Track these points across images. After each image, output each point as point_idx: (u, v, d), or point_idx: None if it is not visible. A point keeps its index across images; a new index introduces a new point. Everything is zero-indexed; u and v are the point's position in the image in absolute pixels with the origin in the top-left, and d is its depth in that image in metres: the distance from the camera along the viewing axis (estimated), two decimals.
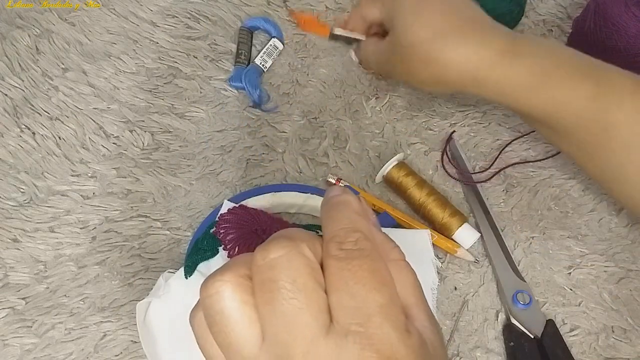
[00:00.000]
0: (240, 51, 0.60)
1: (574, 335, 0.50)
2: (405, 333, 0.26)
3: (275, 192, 0.53)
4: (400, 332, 0.25)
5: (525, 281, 0.52)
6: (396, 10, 0.50)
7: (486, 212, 0.54)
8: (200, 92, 0.59)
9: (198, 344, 0.28)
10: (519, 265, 0.52)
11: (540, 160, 0.57)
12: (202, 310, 0.27)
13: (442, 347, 0.28)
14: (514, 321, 0.50)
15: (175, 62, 0.60)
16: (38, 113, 0.58)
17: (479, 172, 0.56)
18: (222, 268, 0.28)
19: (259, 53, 0.60)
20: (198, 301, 0.28)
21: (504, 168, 0.56)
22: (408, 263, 0.29)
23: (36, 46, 0.61)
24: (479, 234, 0.53)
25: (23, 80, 0.59)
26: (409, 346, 0.25)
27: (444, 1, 0.48)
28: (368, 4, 0.56)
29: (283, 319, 0.25)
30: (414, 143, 0.58)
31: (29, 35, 0.61)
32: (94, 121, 0.58)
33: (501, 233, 0.53)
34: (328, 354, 0.24)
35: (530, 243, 0.54)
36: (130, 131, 0.57)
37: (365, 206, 0.31)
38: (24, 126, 0.57)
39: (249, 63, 0.60)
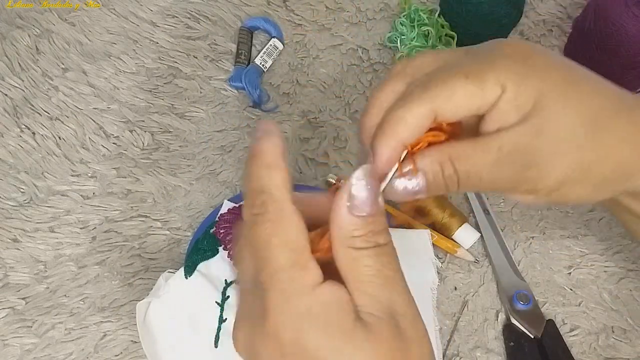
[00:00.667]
0: (240, 51, 0.60)
1: (574, 335, 0.50)
2: (306, 289, 0.26)
3: None
4: (298, 288, 0.26)
5: (525, 281, 0.52)
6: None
7: (486, 212, 0.54)
8: (200, 92, 0.59)
9: None
10: (519, 265, 0.52)
11: None
12: None
13: (389, 326, 0.27)
14: (514, 321, 0.50)
15: (175, 62, 0.60)
16: (38, 113, 0.58)
17: None
18: None
19: (259, 53, 0.60)
20: None
21: None
22: (373, 251, 0.28)
23: (36, 46, 0.61)
24: (479, 234, 0.53)
25: (23, 80, 0.59)
26: (307, 300, 0.26)
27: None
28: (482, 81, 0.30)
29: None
30: None
31: (29, 35, 0.61)
32: (94, 121, 0.58)
33: (501, 233, 0.53)
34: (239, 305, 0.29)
35: (530, 243, 0.54)
36: (130, 131, 0.57)
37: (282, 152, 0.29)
38: (24, 126, 0.57)
39: (249, 63, 0.60)
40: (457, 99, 0.29)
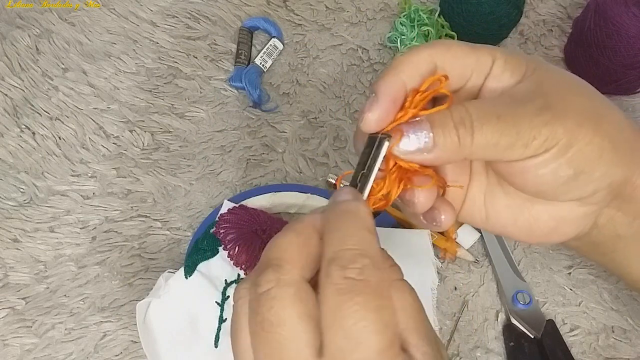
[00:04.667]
0: (240, 51, 0.60)
1: (574, 335, 0.50)
2: None
3: (275, 192, 0.53)
4: None
5: (525, 281, 0.52)
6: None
7: None
8: (200, 92, 0.59)
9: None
10: (519, 265, 0.52)
11: None
12: (250, 303, 0.27)
13: None
14: (514, 321, 0.50)
15: (175, 62, 0.60)
16: (38, 113, 0.58)
17: None
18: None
19: (259, 53, 0.60)
20: (246, 279, 0.28)
21: None
22: (407, 282, 0.27)
23: (36, 46, 0.61)
24: (479, 234, 0.53)
25: (23, 80, 0.59)
26: None
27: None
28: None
29: (270, 348, 0.25)
30: None
31: (29, 35, 0.61)
32: (94, 121, 0.58)
33: None
34: None
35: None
36: (130, 131, 0.57)
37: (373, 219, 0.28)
38: (24, 126, 0.57)
39: (249, 63, 0.60)
40: (454, 51, 0.31)
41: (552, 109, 0.30)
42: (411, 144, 0.29)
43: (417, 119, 0.29)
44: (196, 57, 0.61)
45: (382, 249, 0.28)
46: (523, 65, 0.32)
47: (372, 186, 0.29)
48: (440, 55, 0.31)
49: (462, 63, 0.31)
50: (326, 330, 0.24)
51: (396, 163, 0.29)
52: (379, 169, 0.29)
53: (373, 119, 0.29)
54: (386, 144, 0.29)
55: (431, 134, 0.29)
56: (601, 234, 0.35)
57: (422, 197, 0.31)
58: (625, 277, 0.38)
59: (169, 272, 0.48)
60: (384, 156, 0.29)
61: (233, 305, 0.28)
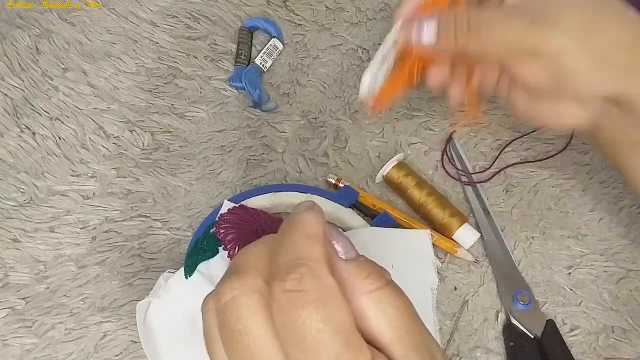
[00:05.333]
0: (240, 51, 0.60)
1: (574, 335, 0.50)
2: None
3: (275, 192, 0.53)
4: None
5: (525, 281, 0.52)
6: None
7: (486, 212, 0.54)
8: (200, 92, 0.59)
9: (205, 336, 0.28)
10: (519, 265, 0.52)
11: (540, 160, 0.57)
12: (217, 313, 0.26)
13: None
14: (514, 321, 0.50)
15: (175, 62, 0.60)
16: (38, 113, 0.58)
17: (479, 172, 0.56)
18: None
19: (259, 53, 0.60)
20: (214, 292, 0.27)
21: (504, 168, 0.56)
22: (392, 288, 0.26)
23: (36, 46, 0.61)
24: (479, 234, 0.53)
25: (23, 80, 0.59)
26: None
27: None
28: None
29: (243, 357, 0.25)
30: (414, 143, 0.58)
31: (29, 35, 0.61)
32: (94, 121, 0.58)
33: (501, 233, 0.53)
34: None
35: (530, 243, 0.54)
36: (130, 131, 0.57)
37: (325, 227, 0.27)
38: (24, 126, 0.57)
39: (249, 63, 0.60)
40: None
41: (546, 19, 0.34)
42: (421, 35, 0.38)
43: (429, 17, 0.37)
44: (196, 57, 0.61)
45: (362, 256, 0.27)
46: None
47: (395, 71, 0.41)
48: None
49: None
50: (284, 346, 0.24)
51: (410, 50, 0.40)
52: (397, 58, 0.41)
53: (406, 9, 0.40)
54: (393, 29, 0.40)
55: (436, 30, 0.37)
56: (602, 138, 0.39)
57: (433, 71, 0.41)
58: (631, 182, 0.42)
59: (169, 272, 0.48)
60: (397, 41, 0.40)
61: (202, 317, 0.27)
